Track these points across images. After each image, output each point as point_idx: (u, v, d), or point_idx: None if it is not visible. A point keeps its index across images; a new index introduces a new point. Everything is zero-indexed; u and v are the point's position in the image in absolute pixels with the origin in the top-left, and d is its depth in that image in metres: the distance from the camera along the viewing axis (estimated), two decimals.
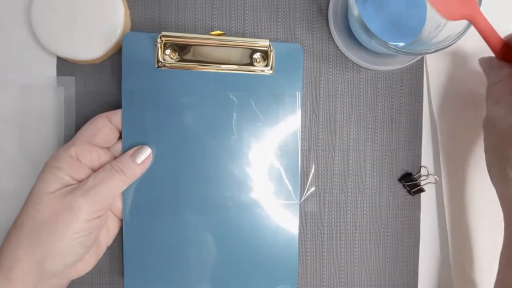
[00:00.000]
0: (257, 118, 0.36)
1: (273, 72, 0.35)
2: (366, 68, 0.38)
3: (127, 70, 0.35)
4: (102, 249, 0.34)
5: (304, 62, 0.38)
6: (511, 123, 0.30)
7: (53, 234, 0.29)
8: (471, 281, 0.38)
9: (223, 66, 0.35)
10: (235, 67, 0.35)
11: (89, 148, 0.32)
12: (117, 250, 0.37)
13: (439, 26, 0.34)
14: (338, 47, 0.38)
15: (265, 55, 0.35)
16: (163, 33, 0.34)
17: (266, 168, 0.36)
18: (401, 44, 0.36)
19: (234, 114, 0.35)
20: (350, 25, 0.37)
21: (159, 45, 0.34)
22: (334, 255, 0.39)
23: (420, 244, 0.39)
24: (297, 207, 0.36)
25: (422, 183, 0.38)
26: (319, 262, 0.39)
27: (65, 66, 0.37)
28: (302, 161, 0.38)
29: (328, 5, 0.38)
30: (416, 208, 0.39)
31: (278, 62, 0.36)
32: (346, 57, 0.38)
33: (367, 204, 0.39)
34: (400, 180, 0.39)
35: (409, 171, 0.39)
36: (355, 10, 0.32)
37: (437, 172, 0.39)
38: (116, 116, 0.34)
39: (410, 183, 0.38)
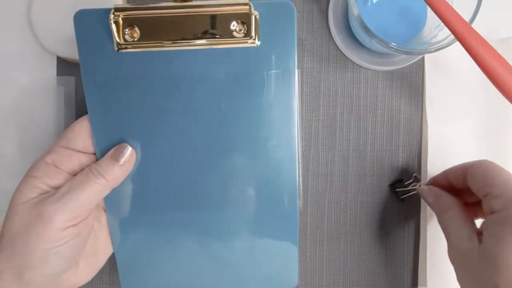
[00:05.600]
0: (244, 106, 0.31)
1: (259, 43, 0.29)
2: (366, 68, 0.38)
3: (85, 58, 0.29)
4: (101, 259, 0.33)
5: (304, 62, 0.38)
6: (482, 252, 0.29)
7: (25, 245, 0.27)
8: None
9: (197, 42, 0.29)
10: (211, 41, 0.29)
11: (68, 154, 0.30)
12: None
13: (439, 26, 0.34)
14: (338, 47, 0.38)
15: (246, 21, 0.28)
16: (116, 5, 0.28)
17: (261, 163, 0.32)
18: (401, 43, 0.36)
19: (216, 101, 0.31)
20: (350, 25, 0.37)
21: (113, 23, 0.28)
22: (333, 255, 0.39)
23: (420, 244, 0.39)
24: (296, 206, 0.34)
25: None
26: (319, 262, 0.39)
27: (65, 66, 0.37)
28: (301, 160, 0.38)
29: (328, 5, 0.38)
30: (417, 208, 0.39)
31: (265, 30, 0.29)
32: (346, 57, 0.38)
33: (367, 204, 0.39)
34: (390, 185, 0.39)
35: (410, 171, 0.39)
36: (355, 10, 0.32)
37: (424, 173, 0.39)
38: None
39: (401, 189, 0.38)
